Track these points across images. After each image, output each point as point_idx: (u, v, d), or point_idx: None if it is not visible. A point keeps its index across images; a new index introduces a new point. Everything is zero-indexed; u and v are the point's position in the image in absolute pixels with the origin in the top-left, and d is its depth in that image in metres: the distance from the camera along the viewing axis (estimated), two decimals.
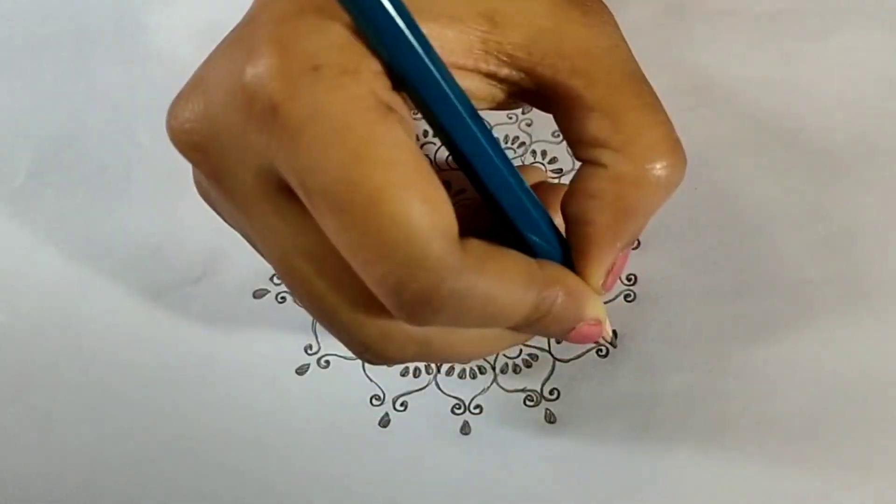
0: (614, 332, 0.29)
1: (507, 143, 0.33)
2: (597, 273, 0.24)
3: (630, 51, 0.23)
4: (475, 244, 0.21)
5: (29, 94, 0.35)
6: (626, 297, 0.29)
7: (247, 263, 0.31)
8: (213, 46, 0.36)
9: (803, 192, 0.31)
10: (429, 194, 0.19)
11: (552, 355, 0.28)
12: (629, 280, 0.29)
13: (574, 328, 0.24)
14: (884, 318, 0.28)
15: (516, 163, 0.33)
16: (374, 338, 0.22)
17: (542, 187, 0.26)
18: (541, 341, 0.29)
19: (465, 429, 0.28)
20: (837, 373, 0.27)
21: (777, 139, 0.32)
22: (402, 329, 0.22)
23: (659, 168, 0.22)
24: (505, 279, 0.21)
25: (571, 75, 0.22)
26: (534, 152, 0.33)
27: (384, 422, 0.28)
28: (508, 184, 0.22)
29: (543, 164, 0.32)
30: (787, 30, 0.34)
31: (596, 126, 0.22)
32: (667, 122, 0.22)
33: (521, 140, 0.33)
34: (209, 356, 0.29)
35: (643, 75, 0.23)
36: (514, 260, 0.22)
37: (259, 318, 0.30)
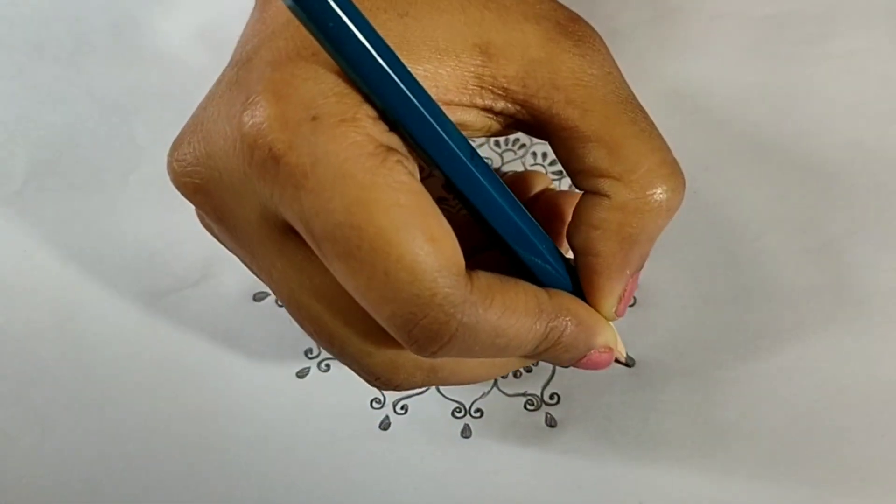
0: (629, 356, 0.29)
1: (507, 144, 0.33)
2: (608, 303, 0.24)
3: (622, 76, 0.23)
4: (483, 277, 0.21)
5: (27, 96, 0.35)
6: None
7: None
8: (211, 48, 0.36)
9: (801, 198, 0.31)
10: (433, 232, 0.19)
11: None
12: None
13: (585, 356, 0.24)
14: (880, 325, 0.28)
15: (516, 165, 0.33)
16: (383, 367, 0.22)
17: (549, 196, 0.26)
18: None
19: (466, 432, 0.28)
20: (834, 380, 0.27)
21: (775, 144, 0.32)
22: (411, 358, 0.22)
23: (660, 193, 0.22)
24: (513, 311, 0.21)
25: (567, 106, 0.22)
26: (534, 154, 0.33)
27: (384, 425, 0.28)
28: (509, 218, 0.22)
29: (544, 166, 0.32)
30: (784, 34, 0.34)
31: (594, 156, 0.22)
32: (664, 147, 0.23)
33: (521, 142, 0.33)
34: (209, 359, 0.29)
35: (637, 100, 0.23)
36: (522, 291, 0.22)
37: (259, 322, 0.30)
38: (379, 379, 0.23)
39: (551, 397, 0.28)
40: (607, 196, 0.22)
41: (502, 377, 0.28)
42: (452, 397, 0.28)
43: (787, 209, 0.30)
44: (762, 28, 0.34)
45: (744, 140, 0.32)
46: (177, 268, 0.31)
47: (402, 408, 0.28)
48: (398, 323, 0.19)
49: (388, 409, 0.28)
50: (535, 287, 0.22)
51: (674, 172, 0.23)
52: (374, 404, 0.28)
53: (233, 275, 0.31)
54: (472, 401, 0.28)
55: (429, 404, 0.28)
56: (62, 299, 0.30)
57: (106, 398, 0.29)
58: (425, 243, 0.19)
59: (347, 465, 0.27)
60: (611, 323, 0.25)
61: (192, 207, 0.32)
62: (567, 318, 0.23)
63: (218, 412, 0.28)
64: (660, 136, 0.23)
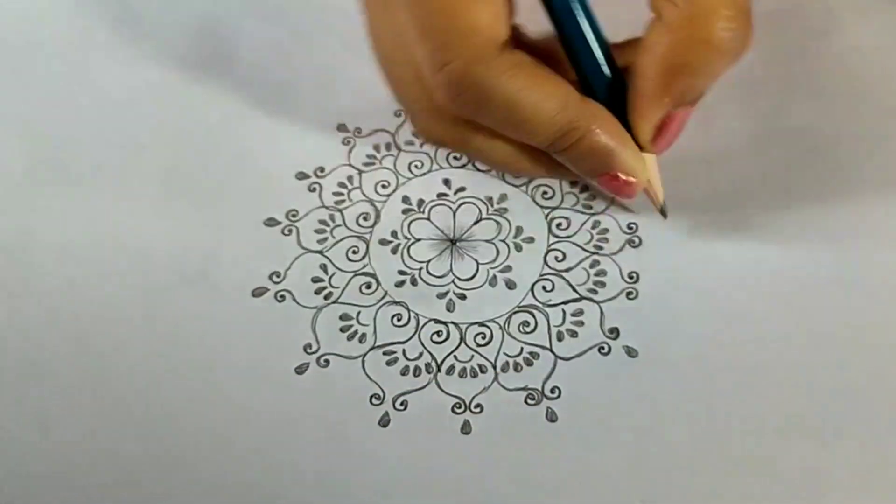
0: (664, 208, 0.29)
1: None
2: (643, 126, 0.25)
3: None
4: (518, 54, 0.23)
5: (27, 93, 0.35)
6: (628, 294, 0.29)
7: (246, 262, 0.31)
8: (212, 45, 0.37)
9: (805, 191, 0.31)
10: (496, 1, 0.22)
11: (553, 353, 0.28)
12: (631, 278, 0.29)
13: (604, 172, 0.25)
14: (885, 318, 0.28)
15: None
16: (425, 116, 0.26)
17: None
18: (542, 339, 0.28)
19: (466, 428, 0.27)
20: (839, 374, 0.27)
21: (776, 139, 0.32)
22: (448, 115, 0.25)
23: (717, 29, 0.23)
24: (535, 90, 0.23)
25: None
26: None
27: (384, 421, 0.28)
28: (574, 11, 0.24)
29: None
30: (786, 29, 0.34)
31: None
32: None
33: None
34: (208, 355, 0.29)
35: None
36: (553, 81, 0.24)
37: (258, 317, 0.30)
38: (416, 126, 0.28)
39: (552, 391, 0.28)
40: (660, 16, 0.23)
41: (502, 372, 0.28)
42: (452, 393, 0.28)
43: (788, 203, 0.30)
44: (764, 24, 0.34)
45: (744, 135, 0.32)
46: (176, 263, 0.31)
47: (401, 404, 0.28)
48: (430, 61, 0.23)
49: (387, 405, 0.28)
50: (569, 86, 0.24)
51: (738, 16, 0.23)
52: (374, 400, 0.28)
53: (232, 271, 0.30)
54: (472, 396, 0.28)
55: (428, 400, 0.28)
56: (61, 296, 0.30)
57: (105, 395, 0.29)
58: (475, 2, 0.22)
59: (347, 461, 0.27)
60: (649, 157, 0.26)
61: (193, 203, 0.32)
62: (592, 124, 0.24)
63: (217, 408, 0.28)
64: None
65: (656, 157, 0.27)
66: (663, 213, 0.29)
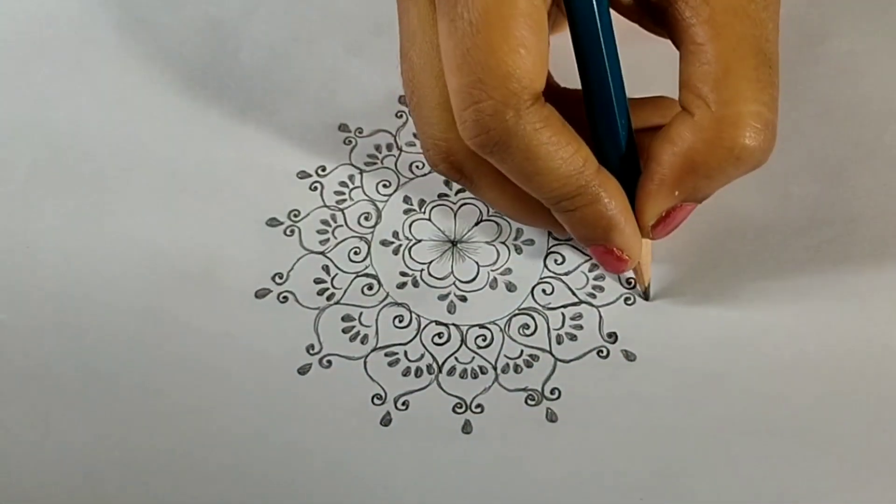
0: (647, 290, 0.29)
1: None
2: (649, 211, 0.26)
3: (776, 28, 0.25)
4: (549, 108, 0.24)
5: (29, 93, 0.35)
6: (626, 299, 0.29)
7: (248, 263, 0.31)
8: (214, 45, 0.37)
9: (803, 196, 0.31)
10: (539, 52, 0.23)
11: (553, 355, 0.29)
12: (629, 283, 0.30)
13: (597, 242, 0.26)
14: (883, 322, 0.28)
15: None
16: (435, 140, 0.26)
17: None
18: (541, 342, 0.29)
19: (467, 428, 0.28)
20: (837, 376, 0.27)
21: (776, 144, 0.32)
22: (461, 146, 0.25)
23: (740, 138, 0.23)
24: (556, 148, 0.24)
25: (705, 23, 0.24)
26: None
27: (385, 421, 0.28)
28: (604, 75, 0.25)
29: None
30: (783, 34, 0.34)
31: (702, 75, 0.24)
32: (768, 106, 0.24)
33: None
34: (210, 356, 0.29)
35: (775, 59, 0.24)
36: (576, 144, 0.24)
37: (261, 318, 0.30)
38: (427, 150, 0.27)
39: (552, 392, 0.28)
40: (692, 114, 0.24)
41: (503, 372, 0.28)
42: (453, 393, 0.28)
43: (790, 206, 0.31)
44: None
45: None
46: (179, 265, 0.31)
47: (403, 404, 0.28)
48: (462, 94, 0.23)
49: (389, 406, 0.28)
50: (589, 152, 0.25)
51: (764, 129, 0.24)
52: (376, 400, 0.28)
53: (235, 272, 0.31)
54: (472, 396, 0.28)
55: (430, 400, 0.28)
56: (64, 297, 0.30)
57: (107, 395, 0.29)
58: (520, 48, 0.22)
59: (348, 460, 0.27)
60: (647, 242, 0.27)
61: (195, 203, 0.32)
62: (601, 194, 0.25)
63: (219, 409, 0.28)
64: (773, 98, 0.24)
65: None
66: (646, 295, 0.29)
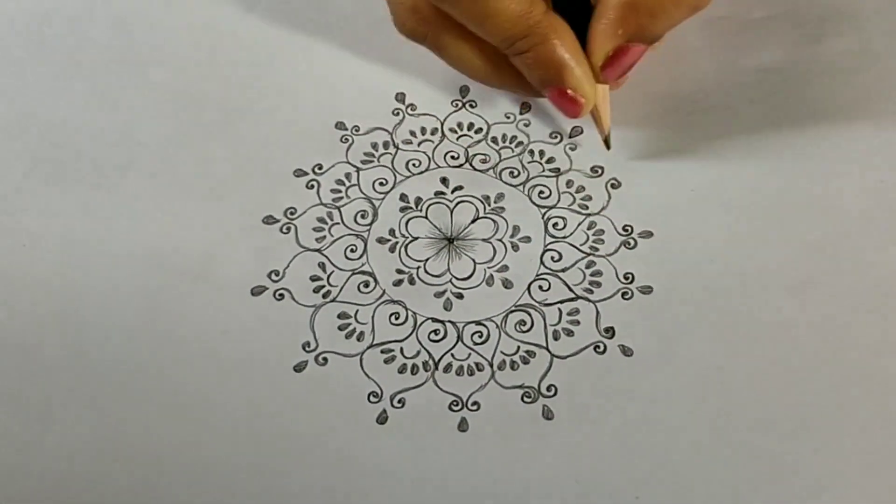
0: (607, 141, 0.30)
1: (504, 142, 0.33)
2: (596, 51, 0.27)
3: None
4: None
5: (28, 92, 0.35)
6: (623, 294, 0.29)
7: (245, 260, 0.31)
8: (211, 45, 0.37)
9: (801, 192, 0.31)
10: None
11: (549, 352, 0.29)
12: (626, 278, 0.30)
13: (551, 83, 0.27)
14: (882, 317, 0.28)
15: (513, 162, 0.33)
16: (407, 6, 0.28)
17: None
18: (538, 338, 0.29)
19: (463, 425, 0.28)
20: (835, 371, 0.27)
21: (774, 141, 0.32)
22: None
23: None
24: None
25: None
26: (531, 152, 0.33)
27: (382, 419, 0.28)
28: None
29: (541, 164, 0.33)
30: (778, 35, 0.34)
31: None
32: None
33: (518, 139, 0.33)
34: (207, 353, 0.29)
35: None
36: None
37: (257, 316, 0.30)
38: (395, 12, 0.28)
39: (548, 389, 0.28)
40: None
41: (499, 370, 0.28)
42: (449, 390, 0.28)
43: (787, 201, 0.31)
44: (759, 30, 0.34)
45: (744, 135, 0.32)
46: (176, 262, 0.31)
47: (399, 401, 0.28)
48: None
49: (385, 403, 0.28)
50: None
51: None
52: (372, 398, 0.28)
53: (231, 269, 0.31)
54: (469, 394, 0.28)
55: (426, 398, 0.28)
56: (62, 294, 0.30)
57: (105, 393, 0.29)
58: None
59: (344, 458, 0.27)
60: (602, 87, 0.28)
61: (192, 202, 0.32)
62: (550, 34, 0.26)
63: (215, 405, 0.28)
64: None
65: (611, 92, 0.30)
66: (607, 143, 0.30)
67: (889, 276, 0.29)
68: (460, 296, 0.30)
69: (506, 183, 0.32)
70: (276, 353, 0.29)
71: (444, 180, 0.32)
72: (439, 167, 0.33)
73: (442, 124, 0.34)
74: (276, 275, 0.31)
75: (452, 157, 0.33)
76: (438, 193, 0.32)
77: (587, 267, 0.30)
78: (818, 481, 0.26)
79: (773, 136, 0.32)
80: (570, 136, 0.33)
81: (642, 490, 0.26)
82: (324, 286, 0.30)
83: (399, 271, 0.31)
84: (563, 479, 0.26)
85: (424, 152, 0.33)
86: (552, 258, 0.30)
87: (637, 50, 0.28)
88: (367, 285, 0.30)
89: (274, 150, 0.33)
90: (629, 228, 0.31)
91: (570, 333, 0.29)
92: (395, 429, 0.28)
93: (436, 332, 0.29)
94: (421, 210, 0.32)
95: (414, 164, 0.33)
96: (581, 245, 0.31)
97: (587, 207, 0.31)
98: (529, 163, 0.33)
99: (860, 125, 0.32)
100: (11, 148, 0.34)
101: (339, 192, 0.32)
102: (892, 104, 0.32)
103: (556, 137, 0.33)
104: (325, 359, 0.29)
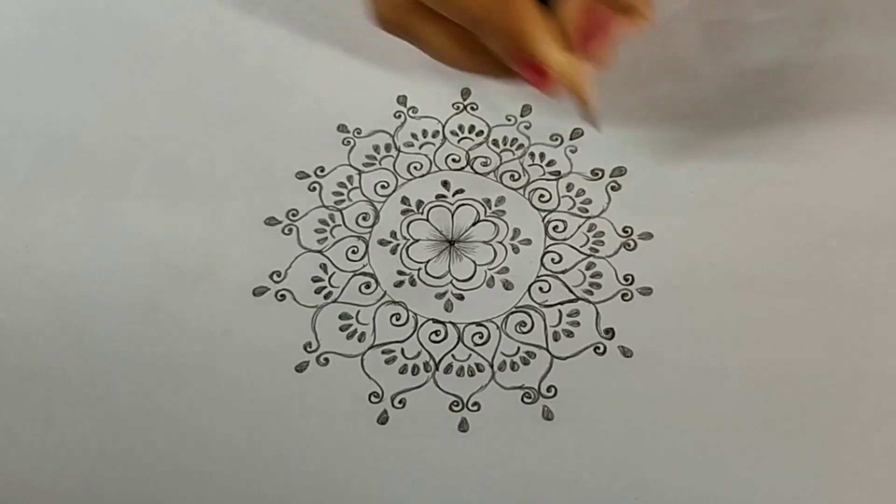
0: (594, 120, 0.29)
1: (505, 144, 0.33)
2: (565, 16, 0.27)
3: None
4: None
5: (29, 92, 0.35)
6: (623, 296, 0.30)
7: (246, 261, 0.31)
8: (213, 45, 0.37)
9: (801, 193, 0.31)
10: None
11: (550, 352, 0.29)
12: (626, 280, 0.30)
13: (519, 53, 0.26)
14: (882, 317, 0.28)
15: (514, 165, 0.33)
16: None
17: None
18: (538, 339, 0.29)
19: (464, 426, 0.28)
20: (835, 371, 0.27)
21: (772, 144, 0.32)
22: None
23: None
24: None
25: None
26: (532, 154, 0.33)
27: (382, 419, 0.28)
28: None
29: (542, 167, 0.33)
30: (778, 39, 0.34)
31: None
32: None
33: (519, 142, 0.33)
34: (208, 353, 0.29)
35: None
36: None
37: (258, 316, 0.30)
38: (374, 9, 0.28)
39: (548, 390, 0.28)
40: None
41: (499, 370, 0.28)
42: (450, 391, 0.28)
43: (785, 205, 0.31)
44: (759, 34, 0.34)
45: (741, 138, 0.32)
46: (177, 262, 0.31)
47: (399, 401, 0.28)
48: None
49: (385, 403, 0.28)
50: None
51: None
52: (372, 398, 0.28)
53: (233, 269, 0.31)
54: (469, 394, 0.28)
55: (426, 398, 0.28)
56: (63, 294, 0.31)
57: (106, 392, 0.29)
58: None
59: (345, 458, 0.27)
60: (585, 66, 0.27)
61: (194, 202, 0.32)
62: (512, 3, 0.26)
63: (217, 406, 0.28)
64: None
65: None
66: (593, 123, 0.29)
67: (889, 276, 0.29)
68: (461, 297, 0.30)
69: (506, 186, 0.32)
70: (277, 353, 0.29)
71: (445, 183, 0.33)
72: (440, 170, 0.33)
73: (443, 127, 0.34)
74: (278, 275, 0.31)
75: (454, 160, 0.33)
76: (439, 196, 0.32)
77: (587, 268, 0.30)
78: (818, 481, 0.26)
79: (773, 137, 0.32)
80: (571, 139, 0.33)
81: (642, 490, 0.26)
82: (325, 287, 0.30)
83: (400, 273, 0.31)
84: (563, 479, 0.27)
85: (426, 155, 0.33)
86: (552, 260, 0.31)
87: (612, 23, 0.27)
88: (368, 286, 0.30)
89: (276, 152, 0.33)
90: (629, 230, 0.31)
91: (570, 334, 0.29)
92: (396, 429, 0.28)
93: (436, 332, 0.29)
94: (422, 213, 0.32)
95: (415, 167, 0.33)
96: (581, 247, 0.31)
97: (587, 210, 0.31)
98: (530, 166, 0.33)
99: (860, 127, 0.32)
100: (14, 148, 0.34)
101: (341, 194, 0.33)
102: (892, 106, 0.32)
103: (556, 139, 0.33)
104: (326, 359, 0.29)
